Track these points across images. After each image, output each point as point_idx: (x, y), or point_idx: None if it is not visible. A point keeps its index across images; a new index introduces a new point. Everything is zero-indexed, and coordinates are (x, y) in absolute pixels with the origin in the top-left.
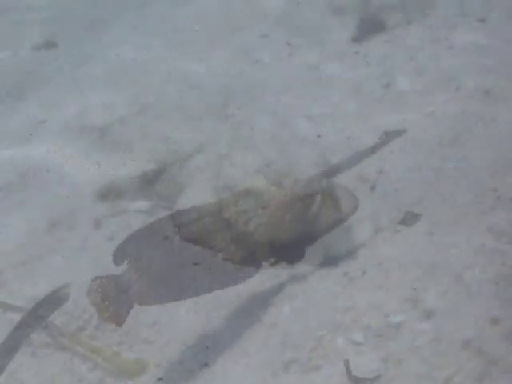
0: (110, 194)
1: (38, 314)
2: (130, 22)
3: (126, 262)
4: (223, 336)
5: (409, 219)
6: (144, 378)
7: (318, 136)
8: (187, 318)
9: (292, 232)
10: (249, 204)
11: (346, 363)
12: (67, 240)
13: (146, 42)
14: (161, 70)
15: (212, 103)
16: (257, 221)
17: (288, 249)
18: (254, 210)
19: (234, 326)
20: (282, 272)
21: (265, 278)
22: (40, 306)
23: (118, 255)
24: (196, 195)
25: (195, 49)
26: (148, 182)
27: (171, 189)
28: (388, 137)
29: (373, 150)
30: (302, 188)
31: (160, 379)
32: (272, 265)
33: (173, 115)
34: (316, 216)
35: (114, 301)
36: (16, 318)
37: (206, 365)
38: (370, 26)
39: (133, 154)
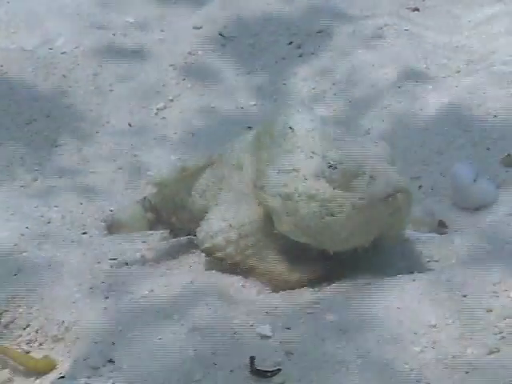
0: None
1: None
2: None
3: None
4: (131, 332)
5: None
6: (51, 376)
7: None
8: (97, 314)
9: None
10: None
11: (251, 358)
12: None
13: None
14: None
15: None
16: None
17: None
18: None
19: (143, 322)
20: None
21: (185, 276)
22: None
23: None
24: None
25: None
26: None
27: None
28: None
29: None
30: (381, 188)
31: (62, 377)
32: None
33: None
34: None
35: None
36: None
37: (111, 361)
38: None
39: None
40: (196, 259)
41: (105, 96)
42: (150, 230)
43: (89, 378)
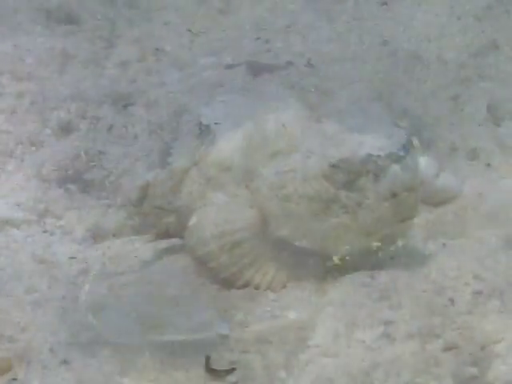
0: None
1: None
2: None
3: None
4: (86, 332)
5: None
6: (5, 378)
7: None
8: (53, 313)
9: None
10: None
11: (207, 357)
12: None
13: None
14: None
15: None
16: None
17: None
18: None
19: (99, 322)
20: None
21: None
22: None
23: None
24: None
25: None
26: None
27: None
28: None
29: None
30: (387, 186)
31: (14, 379)
32: None
33: None
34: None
35: None
36: None
37: (65, 362)
38: None
39: None
40: (157, 257)
41: (74, 91)
42: (137, 235)
43: (42, 379)
